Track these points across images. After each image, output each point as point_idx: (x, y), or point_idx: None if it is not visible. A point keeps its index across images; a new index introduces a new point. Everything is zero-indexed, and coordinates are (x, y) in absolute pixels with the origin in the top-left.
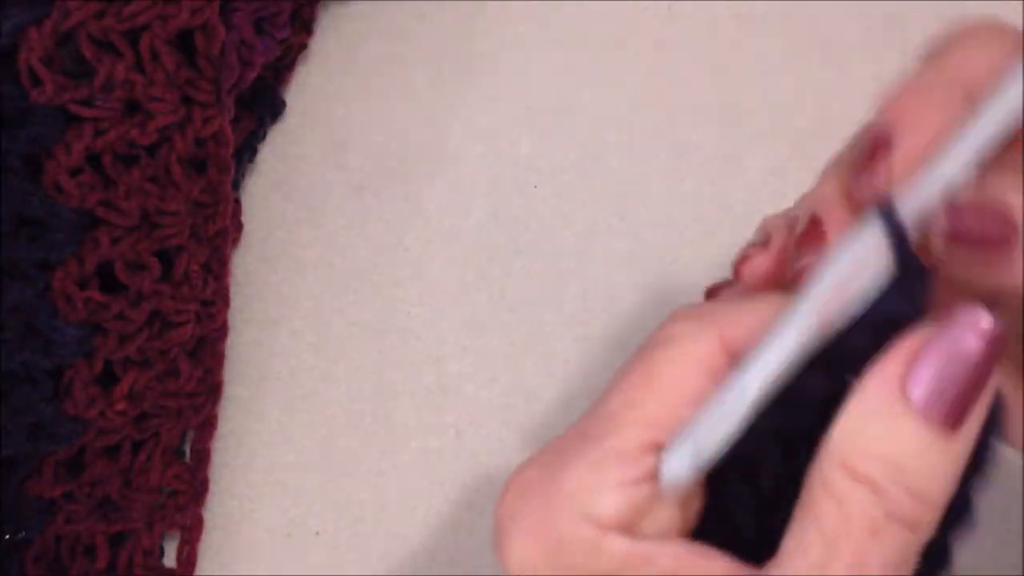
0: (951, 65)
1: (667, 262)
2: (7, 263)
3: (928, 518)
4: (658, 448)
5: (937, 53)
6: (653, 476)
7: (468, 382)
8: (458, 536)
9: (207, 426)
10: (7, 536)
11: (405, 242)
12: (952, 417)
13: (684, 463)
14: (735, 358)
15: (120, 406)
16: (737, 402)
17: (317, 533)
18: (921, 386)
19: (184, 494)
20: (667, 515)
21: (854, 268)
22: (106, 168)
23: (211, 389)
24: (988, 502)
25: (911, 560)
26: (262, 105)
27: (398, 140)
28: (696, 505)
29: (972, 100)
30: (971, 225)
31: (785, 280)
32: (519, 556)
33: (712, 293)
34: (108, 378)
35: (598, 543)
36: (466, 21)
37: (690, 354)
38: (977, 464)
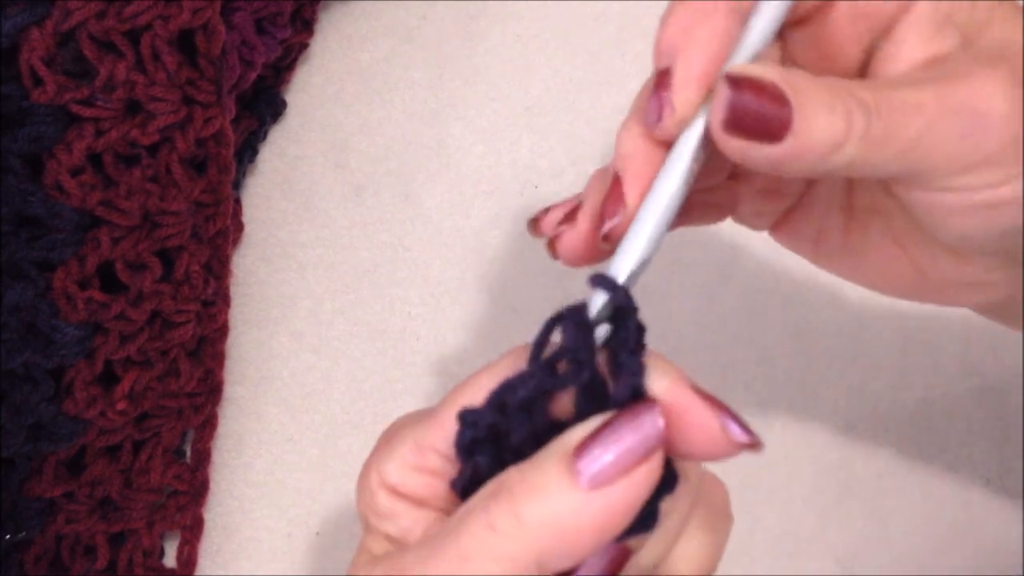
0: None
1: (667, 262)
2: (7, 263)
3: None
4: (437, 452)
5: None
6: (429, 471)
7: None
8: None
9: (207, 426)
10: (7, 536)
11: (405, 242)
12: (596, 481)
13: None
14: None
15: (121, 406)
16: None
17: (317, 533)
18: (589, 456)
19: (184, 494)
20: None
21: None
22: (107, 168)
23: (212, 389)
24: (988, 501)
25: None
26: (263, 105)
27: (398, 140)
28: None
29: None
30: (750, 102)
31: (597, 250)
32: (362, 470)
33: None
34: (109, 378)
35: (374, 490)
36: (466, 21)
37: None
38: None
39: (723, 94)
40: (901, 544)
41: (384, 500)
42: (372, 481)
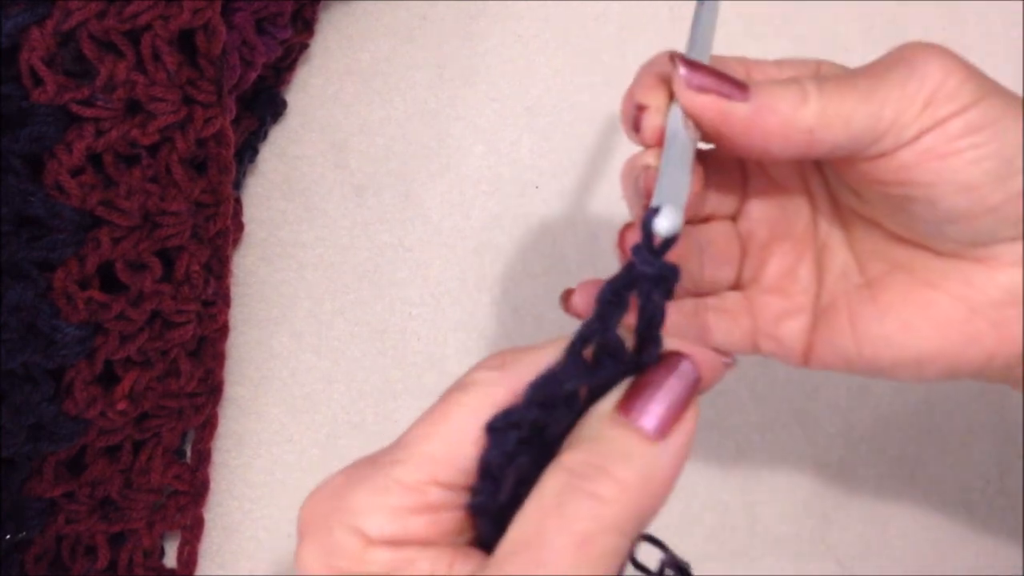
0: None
1: None
2: (8, 263)
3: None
4: (438, 484)
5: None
6: (432, 507)
7: None
8: None
9: (208, 426)
10: (7, 536)
11: (405, 242)
12: (662, 431)
13: (673, 214)
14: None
15: (121, 406)
16: (678, 152)
17: None
18: (646, 413)
19: (184, 494)
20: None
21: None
22: (107, 168)
23: (212, 389)
24: (988, 502)
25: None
26: (263, 105)
27: (398, 140)
28: (452, 523)
29: None
30: (708, 82)
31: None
32: (303, 556)
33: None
34: (109, 378)
35: (362, 554)
36: (466, 21)
37: (482, 401)
38: None
39: (678, 66)
40: (901, 545)
41: (384, 556)
42: (348, 551)
